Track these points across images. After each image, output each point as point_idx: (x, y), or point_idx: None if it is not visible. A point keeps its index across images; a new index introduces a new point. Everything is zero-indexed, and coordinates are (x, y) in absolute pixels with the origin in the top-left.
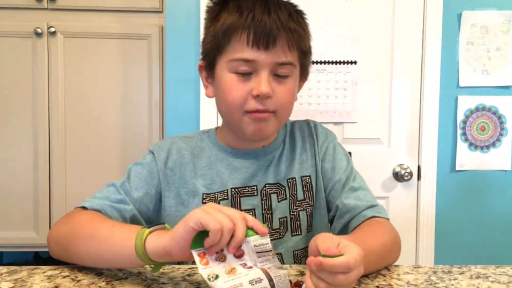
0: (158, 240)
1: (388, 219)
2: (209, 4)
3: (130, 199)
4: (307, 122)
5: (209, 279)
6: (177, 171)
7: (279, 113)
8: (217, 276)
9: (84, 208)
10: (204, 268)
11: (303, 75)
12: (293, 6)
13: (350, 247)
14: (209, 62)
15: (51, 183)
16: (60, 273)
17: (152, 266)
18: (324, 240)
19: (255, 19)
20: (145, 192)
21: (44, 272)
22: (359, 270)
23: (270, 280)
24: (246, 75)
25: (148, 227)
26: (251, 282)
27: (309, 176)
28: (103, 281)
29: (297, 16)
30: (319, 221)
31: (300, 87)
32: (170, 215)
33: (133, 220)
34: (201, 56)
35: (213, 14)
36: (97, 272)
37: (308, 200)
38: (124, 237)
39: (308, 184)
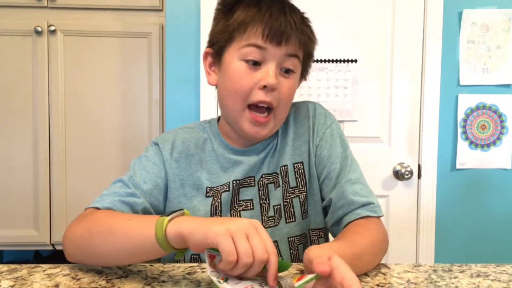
0: (178, 228)
1: (381, 216)
2: None
3: (140, 192)
4: (306, 105)
5: (219, 282)
6: (182, 162)
7: (277, 111)
8: (226, 279)
9: (95, 208)
10: (213, 271)
11: (303, 75)
12: (303, 13)
13: (342, 267)
14: (218, 50)
15: (51, 181)
16: (61, 271)
17: (175, 253)
18: (316, 252)
19: (272, 16)
20: (154, 184)
21: (44, 271)
22: None
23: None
24: (254, 65)
25: (167, 215)
26: (260, 285)
27: (302, 162)
28: (103, 279)
29: (308, 21)
30: (314, 206)
31: (297, 86)
32: (172, 207)
33: (145, 213)
34: (207, 44)
35: (227, 7)
36: (97, 270)
37: (300, 187)
38: (143, 228)
39: (300, 171)
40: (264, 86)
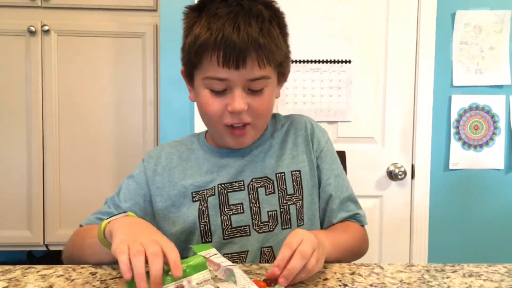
0: (110, 227)
1: (365, 224)
2: (186, 11)
3: (118, 212)
4: (303, 119)
5: None
6: (166, 176)
7: (255, 122)
8: None
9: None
10: None
11: (282, 78)
12: (268, 10)
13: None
14: (188, 74)
15: (45, 182)
16: (54, 272)
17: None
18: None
19: (224, 39)
20: (133, 203)
21: (38, 272)
22: (315, 252)
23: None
24: (220, 92)
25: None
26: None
27: (299, 170)
28: (97, 280)
29: (270, 26)
30: (312, 215)
31: (280, 87)
32: (164, 217)
33: None
34: (181, 62)
35: (189, 23)
36: (92, 271)
37: (297, 194)
38: (95, 232)
39: (297, 179)
40: (232, 112)
